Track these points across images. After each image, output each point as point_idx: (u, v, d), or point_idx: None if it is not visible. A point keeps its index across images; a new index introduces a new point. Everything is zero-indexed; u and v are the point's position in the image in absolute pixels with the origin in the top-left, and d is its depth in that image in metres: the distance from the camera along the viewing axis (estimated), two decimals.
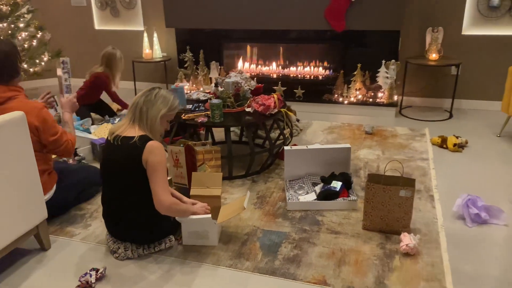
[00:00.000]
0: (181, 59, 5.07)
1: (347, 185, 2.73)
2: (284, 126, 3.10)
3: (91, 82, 4.08)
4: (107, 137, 2.14)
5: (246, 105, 3.12)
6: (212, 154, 2.70)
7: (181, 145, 2.79)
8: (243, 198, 2.33)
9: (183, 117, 2.92)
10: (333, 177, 2.76)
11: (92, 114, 4.28)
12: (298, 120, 4.18)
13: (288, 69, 5.09)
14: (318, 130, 4.07)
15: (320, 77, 4.92)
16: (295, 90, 4.77)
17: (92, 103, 4.19)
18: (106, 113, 4.29)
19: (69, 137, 2.47)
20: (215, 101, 2.83)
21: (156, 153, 2.00)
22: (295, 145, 3.26)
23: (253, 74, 5.16)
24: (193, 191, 2.46)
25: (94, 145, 3.38)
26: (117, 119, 4.08)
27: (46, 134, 2.34)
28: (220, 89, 3.22)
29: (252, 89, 3.43)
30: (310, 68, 5.01)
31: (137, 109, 2.09)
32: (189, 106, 3.10)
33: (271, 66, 5.17)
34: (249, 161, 2.98)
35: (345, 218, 2.51)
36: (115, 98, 4.24)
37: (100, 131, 3.73)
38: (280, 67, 5.14)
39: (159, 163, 2.00)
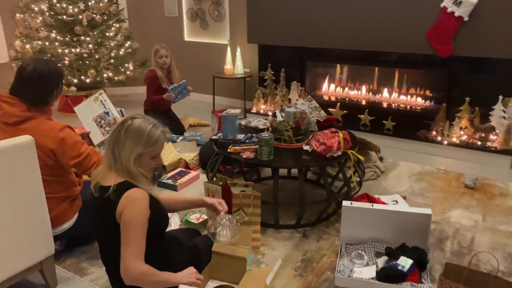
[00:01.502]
0: (261, 76, 4.71)
1: (421, 264, 2.05)
2: (351, 173, 2.51)
3: (144, 83, 4.02)
4: (91, 185, 1.75)
5: (306, 141, 2.59)
6: (250, 200, 2.24)
7: (220, 182, 2.38)
8: (269, 269, 1.82)
9: (229, 149, 2.50)
10: (403, 250, 2.10)
11: None
12: (381, 159, 3.51)
13: (379, 95, 4.40)
14: (404, 174, 3.34)
15: (418, 109, 4.14)
16: (384, 122, 4.08)
17: (160, 110, 4.00)
18: (174, 128, 4.09)
19: (101, 156, 2.19)
20: (264, 135, 2.36)
21: (131, 207, 1.55)
22: (365, 197, 2.64)
23: (338, 98, 4.58)
24: (216, 246, 2.02)
25: None
26: (180, 138, 3.84)
27: (66, 157, 2.09)
28: (280, 118, 2.75)
29: (321, 120, 2.89)
30: (407, 96, 4.26)
31: (109, 151, 1.66)
32: (241, 136, 2.67)
33: (360, 91, 4.53)
34: (300, 211, 2.45)
35: None
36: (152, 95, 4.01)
37: None
38: (370, 92, 4.47)
39: (131, 220, 1.54)
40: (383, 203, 2.72)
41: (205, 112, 4.90)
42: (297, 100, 3.27)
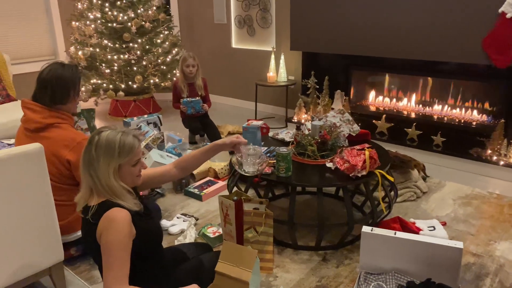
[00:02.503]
0: (304, 85, 4.56)
1: None
2: (379, 195, 2.30)
3: None
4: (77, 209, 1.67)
5: (331, 158, 2.42)
6: (262, 219, 2.11)
7: (235, 197, 2.28)
8: None
9: None
10: (426, 287, 1.87)
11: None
12: (424, 179, 3.22)
13: (430, 108, 4.07)
14: (449, 196, 3.03)
15: (472, 124, 3.76)
16: (433, 137, 3.75)
17: (195, 117, 4.01)
18: (209, 135, 4.08)
19: None
20: (282, 150, 2.23)
21: (110, 229, 1.45)
22: (397, 221, 2.41)
23: (386, 109, 4.31)
24: (219, 266, 1.92)
25: None
26: None
27: (79, 170, 2.11)
28: (306, 132, 2.60)
29: (354, 135, 2.70)
30: (461, 110, 3.89)
31: (85, 175, 1.56)
32: (263, 149, 2.56)
33: (410, 102, 4.22)
34: (318, 234, 2.28)
35: None
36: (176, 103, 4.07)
37: None
38: (421, 104, 4.15)
39: (110, 243, 1.45)
40: (418, 229, 2.48)
41: (247, 119, 4.84)
42: (332, 109, 3.09)
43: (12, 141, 3.09)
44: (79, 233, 2.23)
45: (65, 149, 2.08)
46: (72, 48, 4.88)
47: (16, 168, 1.78)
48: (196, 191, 3.04)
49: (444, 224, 2.63)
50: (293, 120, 4.62)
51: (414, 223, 2.52)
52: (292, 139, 2.73)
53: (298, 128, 2.67)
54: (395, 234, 2.00)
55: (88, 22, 4.75)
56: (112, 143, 1.53)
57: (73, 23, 4.85)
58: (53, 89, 2.11)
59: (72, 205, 2.18)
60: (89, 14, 4.74)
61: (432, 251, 1.92)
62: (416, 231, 2.42)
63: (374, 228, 2.04)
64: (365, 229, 2.03)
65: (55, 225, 1.97)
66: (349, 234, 2.37)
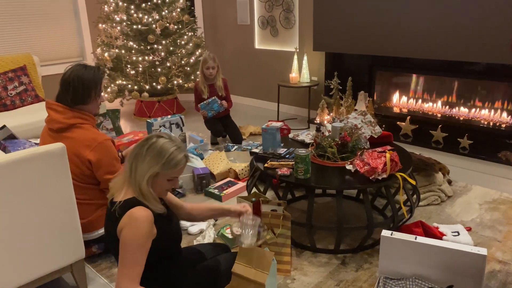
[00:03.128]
0: (327, 85, 4.51)
1: None
2: (400, 199, 2.25)
3: None
4: (108, 195, 1.73)
5: (351, 160, 2.38)
6: (280, 220, 2.11)
7: (253, 199, 2.28)
8: None
9: (266, 164, 2.39)
10: None
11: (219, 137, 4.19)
12: (449, 182, 3.14)
13: (456, 109, 3.95)
14: (475, 201, 2.94)
15: (501, 126, 3.64)
16: (459, 139, 3.65)
17: (217, 117, 4.04)
18: (231, 136, 4.09)
19: None
20: (301, 151, 2.21)
21: (131, 226, 1.49)
22: (419, 226, 2.35)
23: (411, 110, 4.22)
24: (236, 267, 1.92)
25: (194, 175, 3.16)
26: (235, 147, 3.80)
27: (101, 170, 2.16)
28: (326, 133, 2.57)
29: (375, 137, 2.66)
30: (489, 112, 3.76)
31: (127, 164, 1.62)
32: (282, 151, 2.54)
33: (435, 104, 4.11)
34: (337, 237, 2.25)
35: None
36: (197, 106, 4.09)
37: (210, 160, 3.49)
38: (447, 106, 4.04)
39: (130, 240, 1.48)
40: (441, 234, 2.41)
41: (268, 120, 4.83)
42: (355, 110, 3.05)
43: (38, 140, 3.18)
44: (101, 231, 2.28)
45: (86, 149, 2.13)
46: (98, 50, 4.99)
47: (39, 167, 1.83)
48: (216, 191, 3.05)
49: (469, 229, 2.55)
50: (315, 121, 4.58)
51: (437, 227, 2.45)
52: (312, 141, 2.70)
53: (318, 130, 2.64)
54: (415, 238, 1.95)
55: (114, 24, 4.85)
56: (163, 152, 1.58)
57: (100, 25, 4.96)
58: (75, 90, 2.16)
59: (93, 204, 2.24)
60: (115, 16, 4.84)
61: (455, 257, 1.86)
62: (439, 236, 2.35)
63: (394, 232, 2.00)
64: (385, 233, 1.99)
65: (77, 223, 2.01)
66: (369, 238, 2.33)
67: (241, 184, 3.15)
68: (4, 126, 3.24)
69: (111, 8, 4.88)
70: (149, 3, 4.83)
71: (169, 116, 3.72)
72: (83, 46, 5.47)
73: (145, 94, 4.93)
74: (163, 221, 1.64)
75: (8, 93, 3.98)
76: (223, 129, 4.14)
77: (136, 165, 1.58)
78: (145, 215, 1.52)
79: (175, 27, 4.96)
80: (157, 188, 1.62)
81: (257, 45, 5.64)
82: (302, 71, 4.85)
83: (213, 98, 3.93)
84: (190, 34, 5.16)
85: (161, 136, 1.64)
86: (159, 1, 4.86)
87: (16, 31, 4.84)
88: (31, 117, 3.73)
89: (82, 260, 2.10)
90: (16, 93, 4.03)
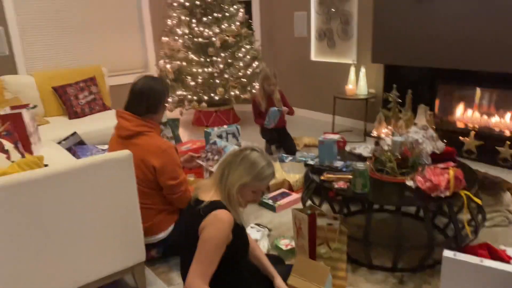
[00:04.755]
0: (385, 98, 4.41)
1: None
2: (464, 218, 2.14)
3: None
4: (192, 193, 1.87)
5: (411, 175, 2.31)
6: (336, 235, 2.08)
7: (309, 211, 2.27)
8: None
9: (322, 177, 2.38)
10: None
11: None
12: None
13: None
14: None
15: None
16: None
17: (274, 128, 4.07)
18: (285, 147, 4.11)
19: (188, 188, 2.34)
20: (359, 165, 2.18)
21: (213, 227, 1.60)
22: (485, 248, 2.22)
23: (475, 125, 4.01)
24: (291, 280, 1.92)
25: None
26: (289, 158, 3.81)
27: (164, 176, 2.26)
28: (385, 147, 2.52)
29: (438, 152, 2.56)
30: None
31: (219, 169, 1.75)
32: (338, 164, 2.52)
33: (503, 119, 3.89)
34: (395, 255, 2.18)
35: None
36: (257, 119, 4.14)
37: None
38: None
39: (210, 239, 1.59)
40: (509, 257, 2.26)
41: (323, 131, 4.80)
42: (414, 124, 2.96)
43: (105, 147, 3.37)
44: (161, 235, 2.37)
45: (151, 156, 2.24)
46: (161, 62, 5.23)
47: (108, 172, 1.94)
48: (270, 202, 3.07)
49: None
50: (372, 135, 4.48)
51: (504, 251, 2.30)
52: (370, 155, 2.65)
53: (377, 144, 2.59)
54: (481, 261, 1.84)
55: (176, 37, 5.07)
56: (256, 165, 1.72)
57: (163, 38, 5.20)
58: (148, 100, 2.30)
59: (155, 209, 2.34)
60: (178, 30, 5.06)
61: None
62: (507, 260, 2.21)
63: (457, 253, 1.91)
64: (447, 253, 1.90)
65: (139, 227, 2.11)
66: (429, 258, 2.23)
67: (295, 196, 3.15)
68: (74, 133, 3.48)
69: (174, 22, 5.10)
70: (210, 17, 5.00)
71: (226, 126, 3.81)
72: (146, 58, 5.76)
73: (204, 104, 5.09)
74: (238, 229, 1.72)
75: (79, 102, 4.27)
76: (278, 138, 4.18)
77: (229, 172, 1.71)
78: (228, 218, 1.63)
79: (234, 40, 5.09)
80: (242, 198, 1.74)
81: (313, 57, 5.65)
82: (359, 83, 4.79)
83: (272, 110, 3.94)
84: (248, 47, 5.26)
85: (255, 149, 1.78)
86: (220, 15, 5.01)
87: (88, 44, 5.19)
88: (98, 124, 3.97)
89: (143, 263, 2.19)
90: (86, 101, 4.32)
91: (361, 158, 2.69)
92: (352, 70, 4.85)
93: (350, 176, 2.28)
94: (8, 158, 2.11)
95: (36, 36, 4.79)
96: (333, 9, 5.17)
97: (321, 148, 2.51)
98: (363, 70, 4.76)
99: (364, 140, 4.59)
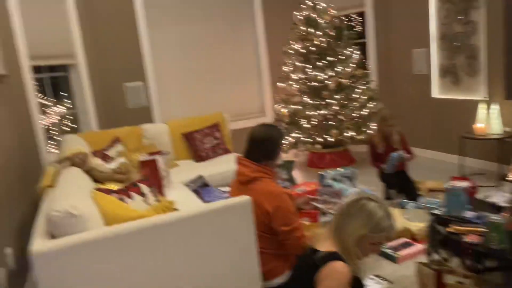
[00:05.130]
0: None
1: None
2: None
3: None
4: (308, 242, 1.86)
5: None
6: None
7: (435, 267, 2.09)
8: None
9: (449, 229, 2.18)
10: None
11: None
12: None
13: None
14: None
15: None
16: None
17: (394, 172, 3.89)
18: (405, 192, 3.87)
19: (303, 235, 2.34)
20: (495, 217, 1.95)
21: (333, 278, 1.57)
22: None
23: None
24: None
25: None
26: (411, 204, 3.57)
27: (277, 222, 2.31)
28: None
29: None
30: None
31: (335, 220, 1.72)
32: (469, 215, 2.28)
33: None
34: None
35: None
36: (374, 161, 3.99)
37: None
38: None
39: None
40: None
41: (449, 175, 4.42)
42: None
43: (227, 189, 3.58)
44: (275, 281, 2.39)
45: (265, 201, 2.32)
46: (277, 106, 5.45)
47: (229, 217, 2.07)
48: (390, 251, 2.90)
49: None
50: (507, 178, 3.99)
51: None
52: (508, 204, 2.36)
53: None
54: None
55: (291, 82, 5.26)
56: (373, 215, 1.68)
57: (279, 84, 5.44)
58: (266, 148, 2.44)
59: (270, 254, 2.38)
60: (293, 75, 5.25)
61: None
62: None
63: None
64: None
65: (257, 271, 2.17)
66: None
67: (419, 246, 2.92)
68: (201, 176, 3.78)
69: (290, 68, 5.32)
70: (324, 62, 5.09)
71: (341, 169, 3.76)
72: (263, 103, 6.06)
73: (318, 146, 5.11)
74: (355, 281, 1.68)
75: (204, 146, 4.64)
76: (398, 182, 3.96)
77: (344, 222, 1.69)
78: (347, 272, 1.60)
79: (349, 81, 5.09)
80: (359, 249, 1.69)
81: (434, 94, 5.33)
82: (491, 121, 4.34)
83: (393, 155, 3.80)
84: (363, 87, 5.21)
85: (372, 199, 1.72)
86: (335, 59, 5.07)
87: (212, 92, 5.71)
88: (220, 167, 4.23)
89: None
90: (210, 146, 4.67)
91: (496, 207, 2.41)
92: (481, 107, 4.44)
93: (483, 229, 2.05)
94: (145, 201, 2.38)
95: (169, 87, 5.49)
96: (457, 43, 4.87)
97: (448, 197, 2.32)
98: (496, 107, 4.33)
99: (497, 185, 4.10)
